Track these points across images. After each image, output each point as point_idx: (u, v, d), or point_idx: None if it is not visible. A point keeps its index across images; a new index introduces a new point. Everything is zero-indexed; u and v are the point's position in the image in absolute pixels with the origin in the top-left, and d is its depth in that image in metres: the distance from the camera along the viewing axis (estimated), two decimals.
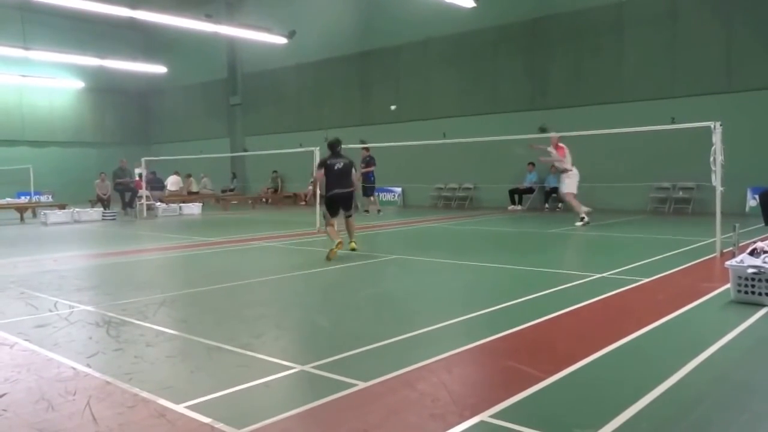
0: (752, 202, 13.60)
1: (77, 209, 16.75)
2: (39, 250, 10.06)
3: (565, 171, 12.20)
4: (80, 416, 2.92)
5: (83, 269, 8.14)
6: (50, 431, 2.78)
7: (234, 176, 25.65)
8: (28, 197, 22.04)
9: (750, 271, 4.91)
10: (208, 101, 27.46)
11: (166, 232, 13.23)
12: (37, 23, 24.90)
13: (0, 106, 26.04)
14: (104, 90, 28.73)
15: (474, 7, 16.28)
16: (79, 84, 27.09)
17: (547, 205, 17.06)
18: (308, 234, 11.38)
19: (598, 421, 2.73)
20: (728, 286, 5.21)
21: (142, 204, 18.48)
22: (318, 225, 11.71)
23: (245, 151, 25.06)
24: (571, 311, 4.91)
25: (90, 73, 26.97)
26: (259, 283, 6.81)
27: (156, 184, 21.03)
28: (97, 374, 3.54)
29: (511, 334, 4.27)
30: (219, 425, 2.77)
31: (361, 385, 3.26)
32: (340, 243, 8.15)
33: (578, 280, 6.24)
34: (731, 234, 7.21)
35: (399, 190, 20.59)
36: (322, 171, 8.75)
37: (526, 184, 17.44)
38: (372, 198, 17.14)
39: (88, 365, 3.71)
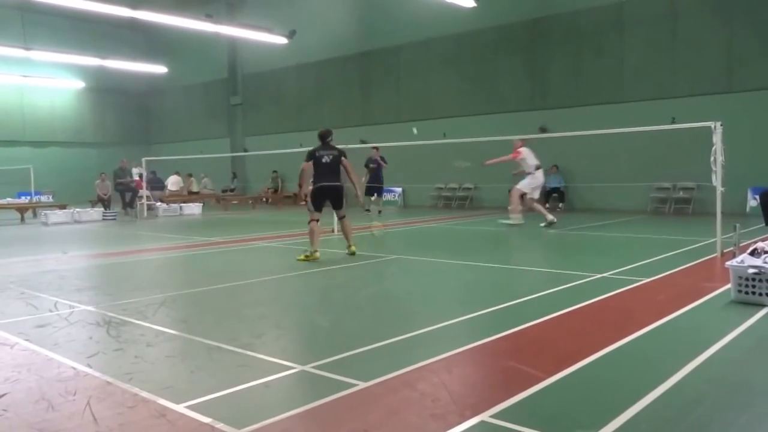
0: (753, 202, 13.59)
1: (78, 209, 16.76)
2: (39, 250, 10.06)
3: (523, 173, 12.01)
4: (80, 416, 2.92)
5: (83, 269, 8.15)
6: (50, 431, 2.78)
7: (234, 176, 25.66)
8: (28, 197, 22.04)
9: (751, 271, 4.90)
10: (209, 101, 27.47)
11: (166, 232, 13.23)
12: (38, 23, 24.90)
13: (1, 106, 26.06)
14: (105, 90, 28.74)
15: (474, 8, 16.28)
16: (80, 84, 27.11)
17: (547, 205, 17.01)
18: (308, 234, 11.35)
19: (599, 422, 2.73)
20: (729, 286, 5.20)
21: (142, 204, 18.48)
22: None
23: (245, 151, 25.06)
24: (571, 311, 4.91)
25: (90, 74, 26.99)
26: (260, 283, 6.81)
27: (156, 184, 21.04)
28: (97, 374, 3.54)
29: (511, 334, 4.26)
30: (219, 425, 2.77)
31: (362, 385, 3.25)
32: (316, 253, 7.77)
33: (578, 280, 6.24)
34: (732, 234, 7.20)
35: (399, 190, 20.60)
36: (310, 163, 8.16)
37: None
38: (373, 198, 17.07)
39: (89, 365, 3.71)
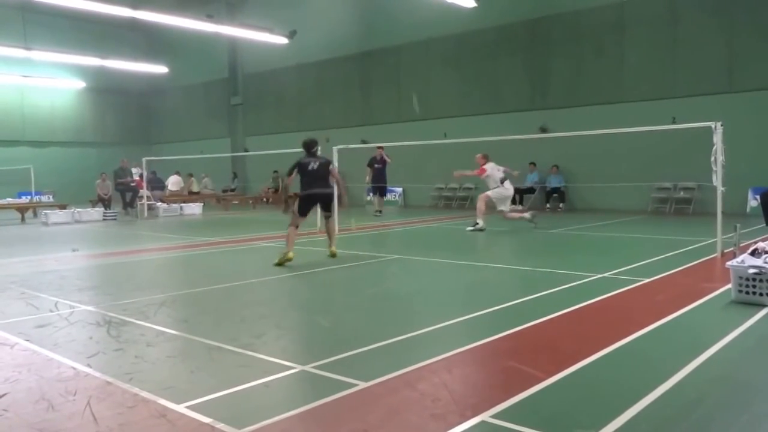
0: (753, 202, 13.59)
1: (78, 209, 16.75)
2: (40, 250, 10.06)
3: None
4: (80, 416, 2.92)
5: (84, 269, 8.15)
6: (50, 431, 2.78)
7: (235, 176, 25.66)
8: (29, 197, 22.05)
9: (751, 271, 4.90)
10: (209, 101, 27.48)
11: (166, 232, 13.23)
12: (38, 23, 24.90)
13: (1, 106, 26.06)
14: (105, 90, 28.74)
15: (475, 8, 16.27)
16: (80, 84, 27.10)
17: (548, 205, 17.05)
18: (309, 234, 11.37)
19: (599, 422, 2.73)
20: (729, 286, 5.20)
21: (142, 204, 18.48)
22: (318, 225, 11.71)
23: (246, 151, 25.07)
24: (571, 311, 4.91)
25: (91, 74, 26.98)
26: (260, 283, 6.81)
27: (156, 183, 21.04)
28: (97, 374, 3.54)
29: (511, 334, 4.26)
30: (219, 425, 2.77)
31: (362, 385, 3.25)
32: (289, 253, 7.59)
33: (579, 280, 6.24)
34: (732, 234, 7.19)
35: (400, 189, 20.60)
36: (292, 176, 8.29)
37: (527, 185, 17.42)
38: (375, 197, 17.07)
39: (89, 365, 3.71)
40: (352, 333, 4.52)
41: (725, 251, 7.43)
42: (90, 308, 5.38)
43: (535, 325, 4.49)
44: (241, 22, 20.43)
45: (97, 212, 17.19)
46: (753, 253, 5.18)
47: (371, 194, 18.47)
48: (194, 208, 19.00)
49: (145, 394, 3.19)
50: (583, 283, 6.12)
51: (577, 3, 16.47)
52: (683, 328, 4.39)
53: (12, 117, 26.27)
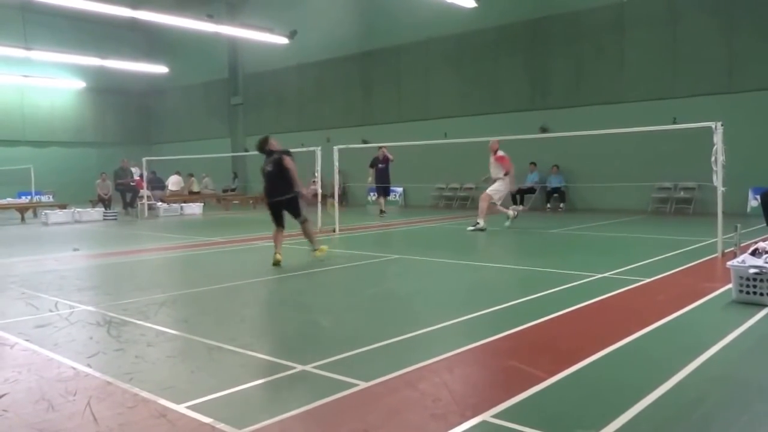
0: (753, 202, 13.58)
1: (78, 209, 16.75)
2: (40, 250, 10.06)
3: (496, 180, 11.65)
4: (81, 416, 2.92)
5: (84, 269, 8.14)
6: (50, 431, 2.78)
7: (235, 176, 25.66)
8: (29, 197, 22.05)
9: (752, 271, 4.90)
10: (210, 101, 27.48)
11: (167, 232, 13.23)
12: (38, 23, 24.90)
13: (1, 106, 26.06)
14: (105, 90, 28.74)
15: (475, 8, 16.27)
16: (80, 84, 27.10)
17: (548, 205, 17.05)
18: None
19: (600, 421, 2.72)
20: (730, 286, 5.20)
21: (143, 204, 18.48)
22: (319, 225, 11.72)
23: (246, 151, 25.04)
24: (572, 311, 4.91)
25: (91, 74, 26.98)
26: (260, 282, 6.81)
27: (157, 183, 21.03)
28: (97, 374, 3.53)
29: (512, 334, 4.26)
30: (220, 425, 2.76)
31: (362, 385, 3.25)
32: (278, 258, 7.52)
33: (579, 280, 6.23)
34: (733, 234, 7.19)
35: (400, 189, 20.59)
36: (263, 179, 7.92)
37: (527, 184, 17.42)
38: (379, 196, 17.01)
39: (89, 365, 3.70)
40: (353, 333, 4.51)
41: (726, 251, 7.43)
42: (90, 308, 5.38)
43: (535, 324, 4.49)
44: (241, 22, 20.43)
45: (97, 212, 17.19)
46: (753, 253, 5.17)
47: (373, 194, 18.48)
48: (195, 208, 19.00)
49: (145, 394, 3.18)
50: (584, 283, 6.12)
51: (577, 3, 16.47)
52: (684, 328, 4.39)
53: (12, 117, 26.27)
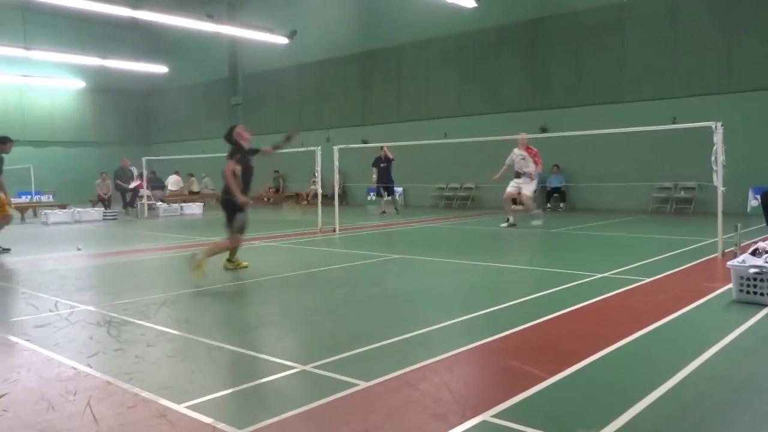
0: (754, 202, 13.59)
1: (78, 209, 16.76)
2: (39, 250, 10.06)
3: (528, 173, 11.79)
4: (80, 416, 2.91)
5: (84, 269, 8.14)
6: (50, 431, 2.78)
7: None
8: (29, 197, 22.04)
9: (752, 271, 4.90)
10: (210, 101, 27.47)
11: (167, 231, 13.23)
12: (39, 23, 24.90)
13: (1, 105, 26.05)
14: (105, 90, 28.74)
15: (475, 8, 16.28)
16: (81, 84, 27.10)
17: (549, 205, 17.03)
18: (309, 234, 11.37)
19: (601, 421, 2.72)
20: (730, 286, 5.19)
21: (143, 204, 18.48)
22: (320, 225, 11.72)
23: None
24: (573, 311, 4.90)
25: (91, 73, 26.98)
26: (260, 282, 6.80)
27: (156, 183, 21.01)
28: (97, 374, 3.53)
29: (513, 333, 4.26)
30: (220, 425, 2.76)
31: (363, 384, 3.25)
32: (239, 262, 7.44)
33: (580, 279, 6.23)
34: (733, 234, 7.19)
35: (400, 189, 20.58)
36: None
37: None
38: (385, 197, 16.97)
39: (89, 365, 3.70)
40: (353, 332, 4.51)
41: (726, 251, 7.43)
42: (90, 308, 5.37)
43: (536, 324, 4.49)
44: (241, 22, 20.44)
45: (97, 212, 17.19)
46: (754, 253, 5.17)
47: (375, 194, 18.48)
48: (195, 208, 19.00)
49: (145, 394, 3.18)
50: (584, 282, 6.12)
51: (577, 3, 16.47)
52: (684, 328, 4.39)
53: (12, 117, 26.23)
